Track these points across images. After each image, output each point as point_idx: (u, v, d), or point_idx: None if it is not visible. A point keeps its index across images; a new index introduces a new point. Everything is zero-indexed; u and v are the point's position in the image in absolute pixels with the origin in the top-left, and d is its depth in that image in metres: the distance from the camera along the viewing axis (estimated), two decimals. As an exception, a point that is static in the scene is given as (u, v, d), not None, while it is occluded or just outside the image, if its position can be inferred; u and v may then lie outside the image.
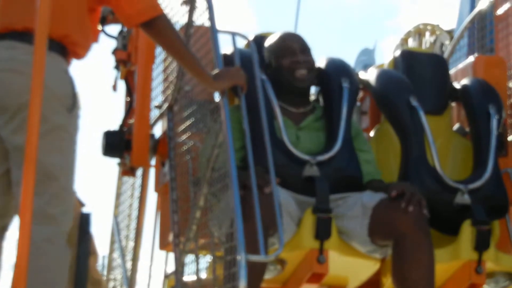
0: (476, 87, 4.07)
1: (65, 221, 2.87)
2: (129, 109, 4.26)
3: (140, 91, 4.12)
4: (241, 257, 2.83)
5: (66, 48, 2.98)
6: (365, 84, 4.09)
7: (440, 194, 3.75)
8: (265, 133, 3.33)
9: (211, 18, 3.31)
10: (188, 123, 3.85)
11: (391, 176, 3.86)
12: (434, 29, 5.99)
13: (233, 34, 3.60)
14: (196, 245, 3.60)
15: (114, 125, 4.25)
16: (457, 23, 6.33)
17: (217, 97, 3.34)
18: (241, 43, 3.80)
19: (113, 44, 4.34)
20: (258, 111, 3.37)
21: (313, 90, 4.01)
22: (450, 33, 6.00)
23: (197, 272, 3.68)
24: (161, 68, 4.19)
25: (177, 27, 3.66)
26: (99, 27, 3.28)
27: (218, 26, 3.33)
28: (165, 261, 4.56)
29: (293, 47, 3.78)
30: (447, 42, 5.82)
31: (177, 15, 3.78)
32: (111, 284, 4.84)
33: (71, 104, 2.92)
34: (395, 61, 4.24)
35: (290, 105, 3.78)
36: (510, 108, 4.22)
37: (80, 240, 3.61)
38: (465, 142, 4.10)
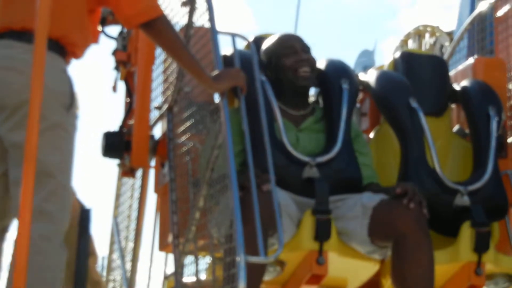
0: (476, 89, 4.07)
1: (62, 219, 2.86)
2: (129, 110, 4.26)
3: (140, 92, 4.12)
4: (241, 258, 2.82)
5: (65, 48, 2.98)
6: (365, 85, 4.08)
7: (439, 196, 3.75)
8: (265, 134, 3.33)
9: (211, 19, 3.31)
10: (188, 124, 3.84)
11: (390, 177, 3.86)
12: (434, 30, 5.99)
13: (233, 35, 3.60)
14: (195, 246, 3.60)
15: (114, 126, 4.26)
16: (457, 25, 6.33)
17: (217, 98, 3.34)
18: (241, 44, 3.80)
19: (113, 45, 4.35)
20: (258, 112, 3.37)
21: (312, 91, 4.01)
22: (450, 34, 6.01)
23: (197, 273, 3.68)
24: (161, 69, 4.18)
25: (177, 28, 3.66)
26: (99, 28, 3.29)
27: (218, 27, 3.33)
28: (164, 262, 4.57)
29: (295, 46, 3.79)
30: (447, 43, 5.83)
31: (177, 16, 3.78)
32: (111, 285, 4.83)
33: (69, 103, 2.92)
34: (395, 62, 4.24)
35: (290, 107, 3.78)
36: (509, 110, 4.22)
37: (80, 236, 3.59)
38: (465, 144, 4.10)
